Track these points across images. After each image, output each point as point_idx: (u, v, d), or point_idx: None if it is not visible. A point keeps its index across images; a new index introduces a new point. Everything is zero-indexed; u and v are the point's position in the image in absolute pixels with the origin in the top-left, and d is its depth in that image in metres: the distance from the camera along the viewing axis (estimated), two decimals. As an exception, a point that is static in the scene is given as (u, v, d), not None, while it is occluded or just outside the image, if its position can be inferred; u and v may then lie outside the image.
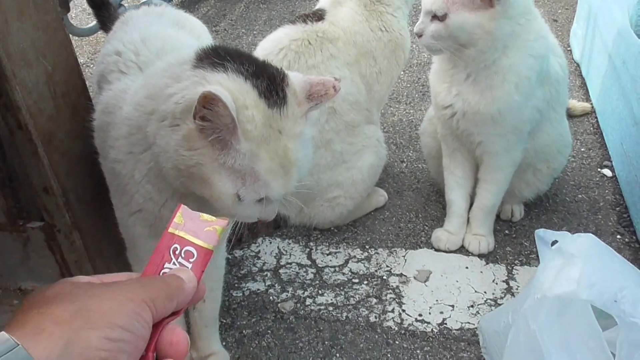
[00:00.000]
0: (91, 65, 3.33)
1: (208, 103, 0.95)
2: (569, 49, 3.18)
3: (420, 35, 1.73)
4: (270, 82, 1.05)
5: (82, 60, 3.27)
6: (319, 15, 2.00)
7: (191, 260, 0.73)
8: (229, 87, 1.01)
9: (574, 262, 1.32)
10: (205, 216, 0.76)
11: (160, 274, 0.71)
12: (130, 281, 0.67)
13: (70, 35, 1.77)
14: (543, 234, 1.39)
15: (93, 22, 3.31)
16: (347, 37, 1.96)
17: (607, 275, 1.33)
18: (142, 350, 0.62)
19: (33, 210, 1.67)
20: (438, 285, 1.88)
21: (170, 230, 0.74)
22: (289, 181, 1.07)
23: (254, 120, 1.02)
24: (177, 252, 0.73)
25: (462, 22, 1.64)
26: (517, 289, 1.83)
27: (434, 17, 1.67)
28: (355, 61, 1.99)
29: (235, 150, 1.00)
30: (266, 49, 1.95)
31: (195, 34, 1.60)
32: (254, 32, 3.60)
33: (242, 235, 2.08)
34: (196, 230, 0.74)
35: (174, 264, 0.72)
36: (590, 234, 1.43)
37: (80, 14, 3.87)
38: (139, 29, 1.48)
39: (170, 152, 1.05)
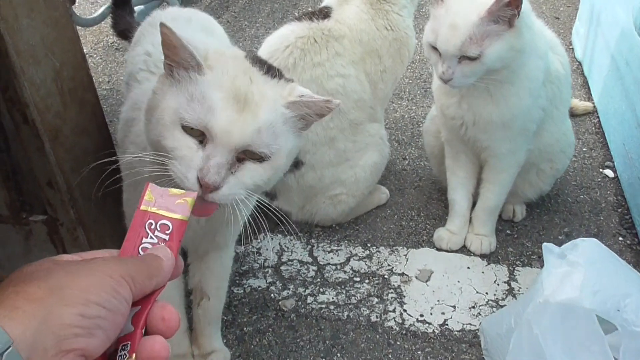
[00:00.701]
0: (94, 56, 3.31)
1: (164, 35, 0.98)
2: (570, 47, 3.17)
3: (449, 80, 1.64)
4: (266, 64, 1.09)
5: (85, 50, 3.25)
6: (325, 13, 1.99)
7: (167, 232, 0.74)
8: (216, 46, 1.08)
9: (578, 268, 1.33)
10: (174, 190, 0.78)
11: (139, 249, 0.72)
12: (109, 258, 0.67)
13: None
14: (552, 248, 1.39)
15: (97, 12, 3.28)
16: (352, 35, 1.96)
17: (610, 282, 1.33)
18: (121, 326, 0.63)
19: (36, 203, 1.67)
20: (439, 285, 1.88)
21: (142, 208, 0.75)
22: (239, 121, 0.97)
23: (227, 62, 1.04)
24: (152, 227, 0.74)
25: (498, 53, 1.58)
26: (518, 290, 1.84)
27: (462, 58, 1.60)
28: (361, 59, 1.98)
29: (194, 79, 1.00)
30: (272, 45, 1.95)
31: (223, 42, 1.60)
32: (257, 24, 3.59)
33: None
34: (168, 205, 0.76)
35: (151, 238, 0.73)
36: (594, 239, 1.44)
37: (84, 3, 3.84)
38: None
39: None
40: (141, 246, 0.72)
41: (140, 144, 1.24)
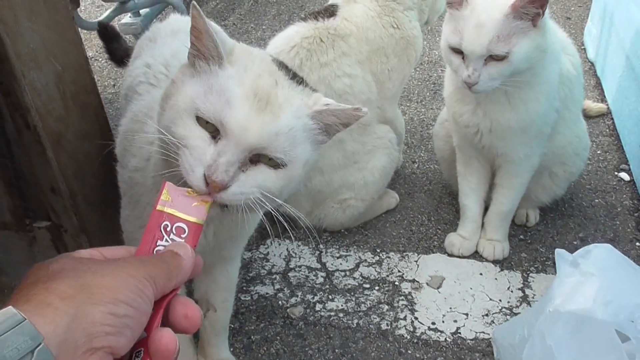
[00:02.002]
0: (99, 59, 3.30)
1: (193, 17, 0.93)
2: (582, 47, 3.13)
3: (475, 84, 1.59)
4: (291, 70, 1.04)
5: (90, 54, 3.25)
6: (330, 12, 1.97)
7: (183, 236, 0.74)
8: (244, 46, 1.03)
9: (590, 278, 1.29)
10: (191, 191, 0.78)
11: (154, 252, 0.72)
12: (131, 259, 0.69)
13: (79, 29, 1.76)
14: (564, 255, 1.36)
15: (102, 16, 3.28)
16: (359, 33, 1.94)
17: (624, 291, 1.29)
18: (144, 326, 0.63)
19: (39, 209, 1.65)
20: (451, 292, 1.85)
21: (158, 208, 0.75)
22: (257, 120, 0.90)
23: (253, 60, 0.99)
24: (168, 229, 0.73)
25: (525, 52, 1.55)
26: (533, 297, 1.80)
27: (488, 59, 1.57)
28: (367, 59, 1.96)
29: (215, 72, 0.95)
30: (277, 46, 1.92)
31: None
32: (263, 27, 3.57)
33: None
34: (184, 206, 0.75)
35: (166, 240, 0.73)
36: (607, 245, 1.41)
37: (89, 6, 3.83)
38: (169, 46, 1.46)
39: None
40: (156, 249, 0.72)
41: (143, 155, 1.20)
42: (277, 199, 0.96)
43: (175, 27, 1.61)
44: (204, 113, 0.91)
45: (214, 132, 0.91)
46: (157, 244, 0.72)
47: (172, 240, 0.73)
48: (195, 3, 0.94)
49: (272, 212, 1.07)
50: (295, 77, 1.02)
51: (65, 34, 1.40)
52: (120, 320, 0.59)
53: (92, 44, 3.43)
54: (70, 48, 1.44)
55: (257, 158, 0.93)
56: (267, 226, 1.09)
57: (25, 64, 1.28)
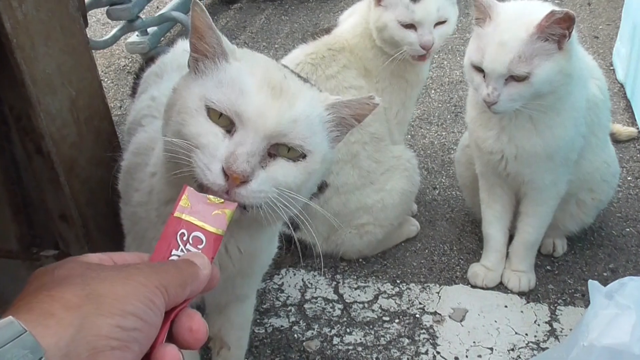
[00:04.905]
0: (105, 79, 3.36)
1: (193, 13, 0.96)
2: (611, 68, 3.16)
3: (494, 103, 1.65)
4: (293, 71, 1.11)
5: (95, 74, 3.31)
6: (327, 29, 2.08)
7: (199, 246, 0.72)
8: (245, 49, 1.10)
9: (627, 311, 1.31)
10: (213, 198, 0.77)
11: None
12: (142, 265, 0.67)
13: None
14: (597, 286, 1.38)
15: (108, 34, 3.35)
16: (350, 48, 2.02)
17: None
18: (153, 339, 0.62)
19: (47, 237, 1.69)
20: (475, 325, 1.87)
21: (176, 214, 0.74)
22: (274, 107, 0.93)
23: (257, 57, 1.06)
24: (184, 238, 0.72)
25: (547, 74, 1.59)
26: (561, 331, 1.82)
27: (509, 79, 1.61)
28: (366, 72, 2.02)
29: (223, 67, 0.98)
30: (284, 66, 1.99)
31: None
32: (275, 45, 3.63)
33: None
34: (204, 213, 0.74)
35: (181, 250, 0.72)
36: (643, 278, 1.43)
37: (95, 25, 3.92)
38: (175, 80, 1.51)
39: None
40: (170, 258, 0.71)
41: (145, 189, 1.22)
42: (296, 196, 0.97)
43: (182, 62, 1.64)
44: (218, 105, 0.93)
45: (228, 126, 0.93)
46: (172, 254, 0.71)
47: (188, 250, 0.72)
48: (197, 0, 0.97)
49: (290, 228, 1.10)
50: (300, 77, 1.08)
51: (80, 58, 1.46)
52: (128, 333, 0.58)
53: (98, 64, 3.48)
54: (85, 73, 1.49)
55: (275, 151, 0.95)
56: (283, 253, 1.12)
57: (40, 90, 1.33)
